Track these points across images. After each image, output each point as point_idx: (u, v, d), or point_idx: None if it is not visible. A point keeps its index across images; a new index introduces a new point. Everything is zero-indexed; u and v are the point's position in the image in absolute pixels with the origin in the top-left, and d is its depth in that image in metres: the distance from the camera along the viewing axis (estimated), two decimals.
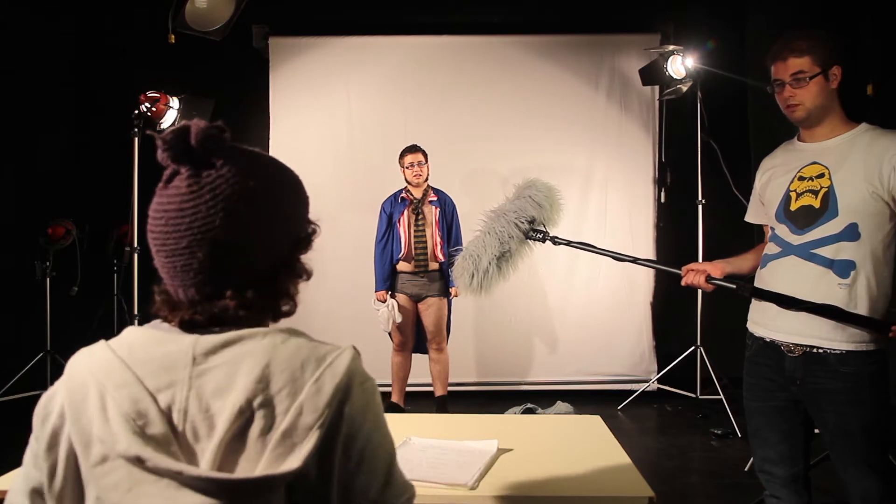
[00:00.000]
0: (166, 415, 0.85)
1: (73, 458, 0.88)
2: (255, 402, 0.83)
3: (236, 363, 0.85)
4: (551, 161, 5.20)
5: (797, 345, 1.96)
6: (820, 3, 4.85)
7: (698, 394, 4.73)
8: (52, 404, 0.90)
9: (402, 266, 4.30)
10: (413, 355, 4.47)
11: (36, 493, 0.91)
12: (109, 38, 5.17)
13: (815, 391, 1.95)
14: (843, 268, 1.91)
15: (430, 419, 2.16)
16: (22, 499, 0.91)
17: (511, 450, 1.69)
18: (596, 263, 5.20)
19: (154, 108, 4.14)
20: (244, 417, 0.83)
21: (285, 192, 0.94)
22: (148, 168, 4.60)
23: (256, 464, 0.83)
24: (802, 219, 1.98)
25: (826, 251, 1.93)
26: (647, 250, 5.17)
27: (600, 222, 5.20)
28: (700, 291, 4.73)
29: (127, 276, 4.30)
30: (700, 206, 4.74)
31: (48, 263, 4.69)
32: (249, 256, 0.89)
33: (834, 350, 1.91)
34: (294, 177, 0.97)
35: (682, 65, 4.57)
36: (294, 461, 0.81)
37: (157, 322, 0.94)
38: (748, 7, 5.14)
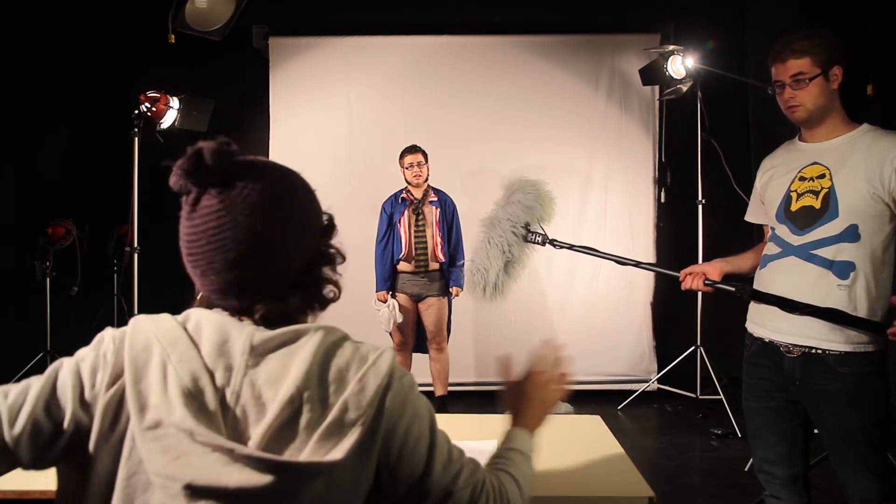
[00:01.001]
0: (220, 394, 0.89)
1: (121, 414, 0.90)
2: (305, 395, 0.89)
3: (289, 356, 0.91)
4: (551, 161, 5.20)
5: (796, 345, 1.96)
6: (820, 2, 4.85)
7: (698, 394, 4.73)
8: (120, 354, 0.92)
9: (403, 266, 4.31)
10: (413, 355, 4.48)
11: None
12: (109, 38, 5.17)
13: (813, 392, 1.95)
14: (842, 269, 1.91)
15: None
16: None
17: None
18: (596, 264, 5.19)
19: (154, 108, 4.15)
20: (293, 407, 0.88)
21: (300, 189, 1.00)
22: (148, 168, 4.61)
23: (301, 452, 0.88)
24: (803, 219, 1.98)
25: (826, 252, 1.92)
26: (647, 250, 5.17)
27: (600, 222, 5.19)
28: (700, 292, 4.73)
29: (127, 276, 4.30)
30: (700, 206, 4.74)
31: (48, 263, 4.69)
32: (290, 254, 0.96)
33: (832, 351, 1.91)
34: (298, 175, 1.02)
35: (682, 65, 4.57)
36: (338, 453, 0.87)
37: (219, 309, 0.99)
38: (748, 7, 5.15)
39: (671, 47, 4.63)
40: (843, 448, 1.95)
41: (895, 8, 4.58)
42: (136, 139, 4.08)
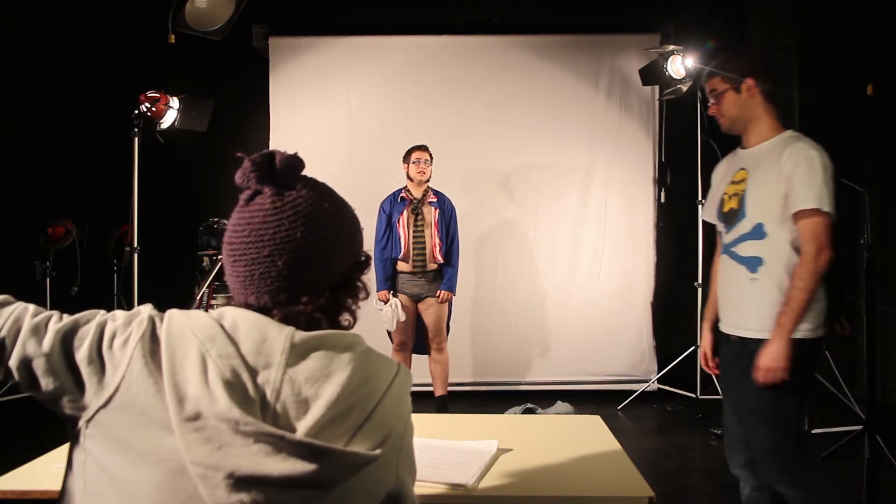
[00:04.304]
0: (261, 391, 0.92)
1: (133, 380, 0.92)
2: (350, 398, 0.93)
3: (330, 358, 0.95)
4: (551, 161, 5.20)
5: (731, 334, 2.17)
6: (819, 2, 4.85)
7: (698, 394, 4.73)
8: (145, 340, 0.94)
9: (402, 266, 4.31)
10: (413, 355, 4.48)
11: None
12: (109, 38, 5.17)
13: (735, 374, 2.13)
14: (752, 263, 2.11)
15: (430, 419, 2.16)
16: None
17: (511, 450, 1.69)
18: (596, 263, 5.20)
19: (154, 108, 4.15)
20: (338, 408, 0.92)
21: (349, 218, 1.07)
22: (148, 168, 4.59)
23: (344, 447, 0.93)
24: (729, 220, 2.18)
25: (740, 248, 2.13)
26: (648, 250, 5.18)
27: (600, 222, 5.20)
28: (700, 291, 4.75)
29: (127, 276, 4.30)
30: (700, 206, 4.74)
31: (48, 263, 4.69)
32: (320, 269, 1.00)
33: (751, 337, 2.07)
34: (351, 208, 1.09)
35: (682, 65, 4.57)
36: (378, 450, 0.93)
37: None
38: (748, 7, 5.15)
39: (671, 47, 4.63)
40: (746, 428, 2.12)
41: (895, 8, 4.57)
42: (136, 139, 4.08)
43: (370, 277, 1.11)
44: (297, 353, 0.94)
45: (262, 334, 0.94)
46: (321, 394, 0.92)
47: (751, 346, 2.04)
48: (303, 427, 0.90)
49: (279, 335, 0.94)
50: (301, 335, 0.95)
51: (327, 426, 0.91)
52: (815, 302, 2.01)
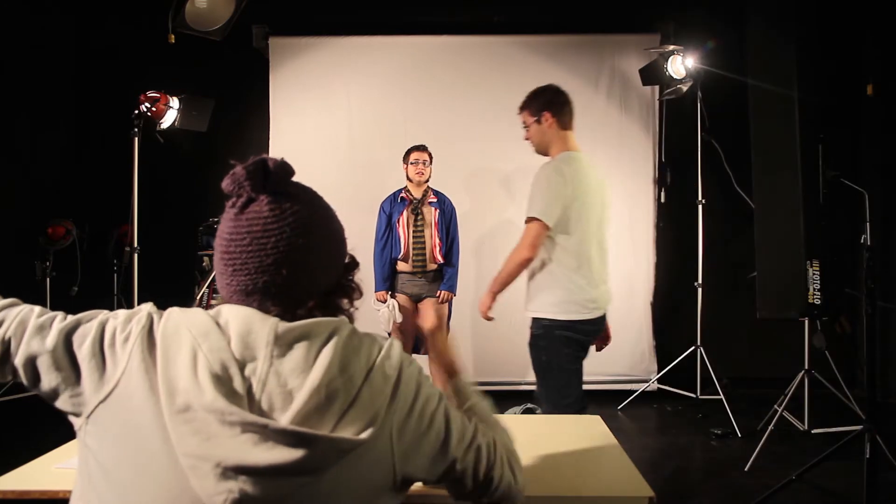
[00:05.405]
0: (247, 383, 0.92)
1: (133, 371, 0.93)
2: (331, 383, 0.93)
3: (313, 346, 0.95)
4: None
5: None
6: (820, 2, 4.85)
7: (698, 394, 4.72)
8: (143, 336, 0.96)
9: (402, 266, 4.31)
10: (412, 356, 4.48)
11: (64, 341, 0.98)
12: (109, 38, 5.17)
13: None
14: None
15: None
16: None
17: None
18: None
19: (154, 108, 4.15)
20: (320, 395, 0.92)
21: (337, 222, 1.10)
22: (148, 168, 4.58)
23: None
24: None
25: None
26: (647, 250, 5.17)
27: None
28: (700, 291, 4.75)
29: (127, 276, 4.30)
30: (700, 206, 4.74)
31: (48, 263, 4.69)
32: (319, 273, 1.02)
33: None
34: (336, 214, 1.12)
35: (682, 65, 4.57)
36: (363, 434, 0.93)
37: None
38: (748, 6, 5.14)
39: (671, 47, 4.63)
40: None
41: (894, 8, 4.58)
42: (136, 139, 4.08)
43: (361, 277, 1.12)
44: (281, 344, 0.95)
45: (247, 326, 0.96)
46: (305, 383, 0.93)
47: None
48: (287, 416, 0.90)
49: (263, 326, 0.95)
50: (285, 325, 0.96)
51: (312, 413, 0.91)
52: (541, 291, 2.70)
